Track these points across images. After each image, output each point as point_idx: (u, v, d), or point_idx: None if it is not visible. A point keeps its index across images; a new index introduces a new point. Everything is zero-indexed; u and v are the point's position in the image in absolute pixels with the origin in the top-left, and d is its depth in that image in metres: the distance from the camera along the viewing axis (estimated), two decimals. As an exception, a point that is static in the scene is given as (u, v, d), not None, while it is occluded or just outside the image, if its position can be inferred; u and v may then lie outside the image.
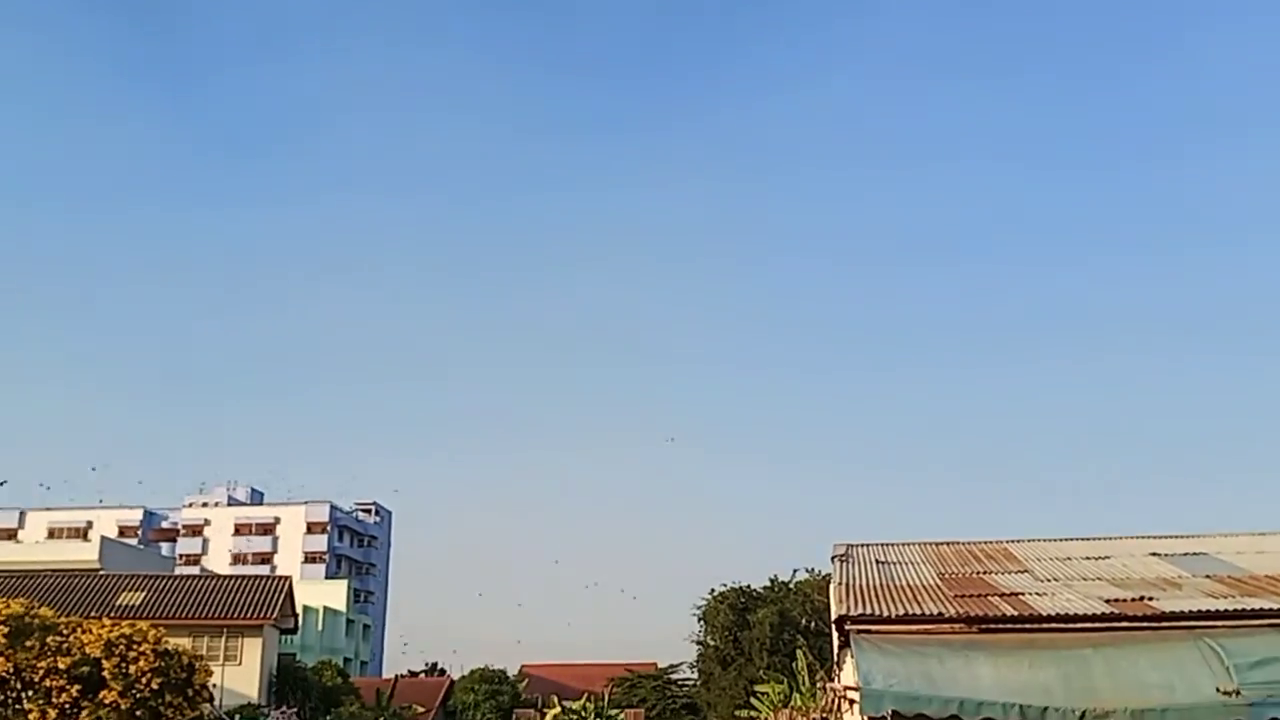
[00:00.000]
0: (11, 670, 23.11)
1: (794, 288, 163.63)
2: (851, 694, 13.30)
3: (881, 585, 17.49)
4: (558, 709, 56.02)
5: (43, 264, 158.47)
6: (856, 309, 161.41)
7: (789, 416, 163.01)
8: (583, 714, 55.12)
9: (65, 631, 24.38)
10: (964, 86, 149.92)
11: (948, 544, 21.78)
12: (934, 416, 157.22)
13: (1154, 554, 20.15)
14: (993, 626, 14.97)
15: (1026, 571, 18.97)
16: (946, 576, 18.42)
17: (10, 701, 23.33)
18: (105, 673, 23.42)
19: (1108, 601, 15.65)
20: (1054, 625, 14.90)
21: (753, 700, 36.53)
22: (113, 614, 30.03)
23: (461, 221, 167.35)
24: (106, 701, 23.15)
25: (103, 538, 78.19)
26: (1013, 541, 21.98)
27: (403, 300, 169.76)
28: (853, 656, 14.19)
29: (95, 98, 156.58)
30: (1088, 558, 20.02)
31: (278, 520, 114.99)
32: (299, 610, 51.38)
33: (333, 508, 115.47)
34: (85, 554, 68.09)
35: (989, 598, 16.43)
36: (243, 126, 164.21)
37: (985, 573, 18.89)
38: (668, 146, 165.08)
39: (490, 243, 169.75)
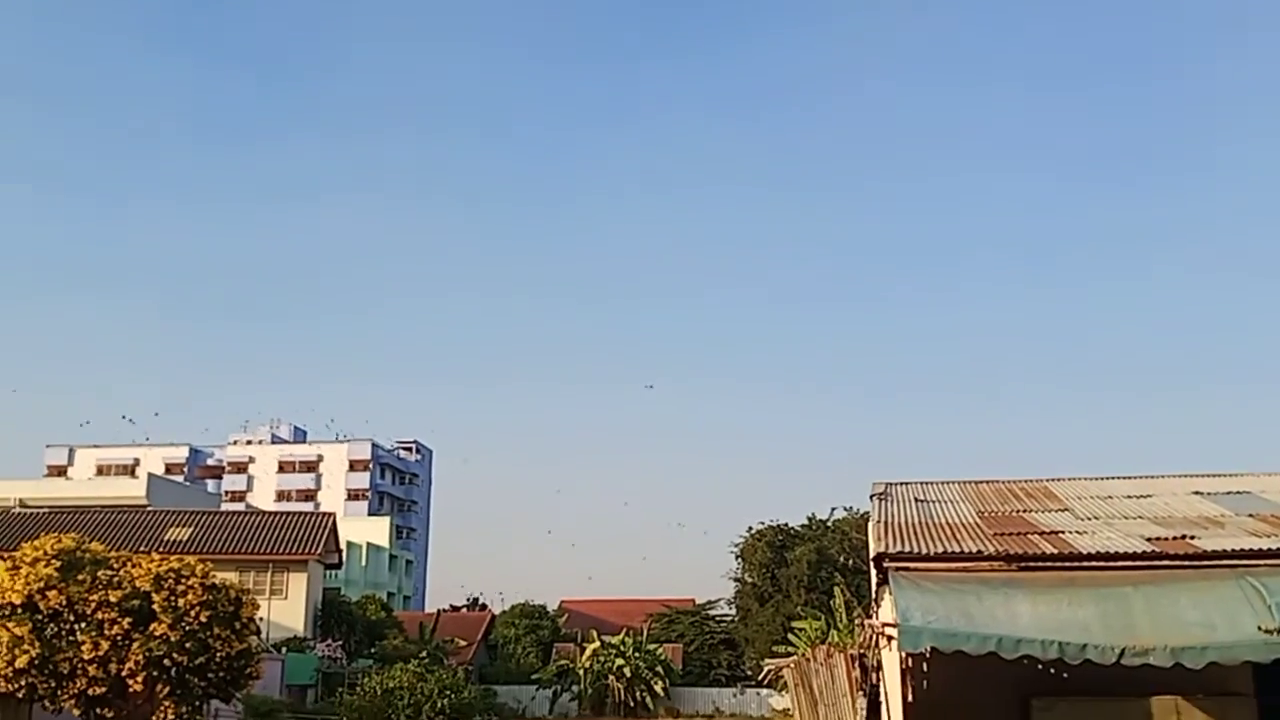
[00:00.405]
0: (65, 603, 23.63)
1: (829, 211, 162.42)
2: (889, 630, 13.32)
3: (920, 523, 17.47)
4: (597, 643, 56.73)
5: (92, 199, 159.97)
6: (896, 233, 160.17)
7: (827, 351, 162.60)
8: (622, 648, 55.81)
9: (115, 566, 24.84)
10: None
11: (987, 482, 21.68)
12: (974, 351, 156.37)
13: (1197, 492, 19.97)
14: (1032, 565, 14.91)
15: (1067, 510, 18.87)
16: (986, 515, 18.36)
17: (64, 633, 23.89)
18: (155, 606, 23.87)
19: (1149, 540, 15.55)
20: (1094, 564, 14.82)
21: (790, 636, 36.87)
22: (161, 549, 30.61)
23: (502, 158, 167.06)
24: (157, 634, 23.61)
25: (150, 474, 79.69)
26: (1053, 480, 21.86)
27: (442, 236, 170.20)
28: (891, 594, 14.21)
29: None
30: (1129, 496, 19.88)
31: (320, 458, 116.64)
32: (343, 546, 52.32)
33: (374, 445, 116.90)
34: (133, 490, 69.45)
35: (1028, 536, 16.37)
36: (275, 51, 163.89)
37: (1025, 511, 18.81)
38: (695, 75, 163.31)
39: (533, 182, 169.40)
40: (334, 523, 47.32)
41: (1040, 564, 14.93)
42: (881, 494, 19.98)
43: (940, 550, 15.43)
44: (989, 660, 12.52)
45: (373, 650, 45.83)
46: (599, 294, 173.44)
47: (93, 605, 23.67)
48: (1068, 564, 14.91)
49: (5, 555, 27.24)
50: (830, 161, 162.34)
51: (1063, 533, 16.54)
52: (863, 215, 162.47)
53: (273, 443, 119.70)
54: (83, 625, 23.78)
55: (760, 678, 37.08)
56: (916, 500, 19.60)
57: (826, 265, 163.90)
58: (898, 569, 14.88)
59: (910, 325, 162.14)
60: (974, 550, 15.31)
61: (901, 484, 21.22)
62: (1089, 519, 17.87)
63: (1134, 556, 14.89)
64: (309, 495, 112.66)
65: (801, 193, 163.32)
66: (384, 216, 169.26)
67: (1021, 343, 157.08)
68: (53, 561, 24.00)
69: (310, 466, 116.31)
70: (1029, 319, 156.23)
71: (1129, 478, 21.71)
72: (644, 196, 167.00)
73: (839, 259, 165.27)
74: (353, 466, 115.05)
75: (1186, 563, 14.71)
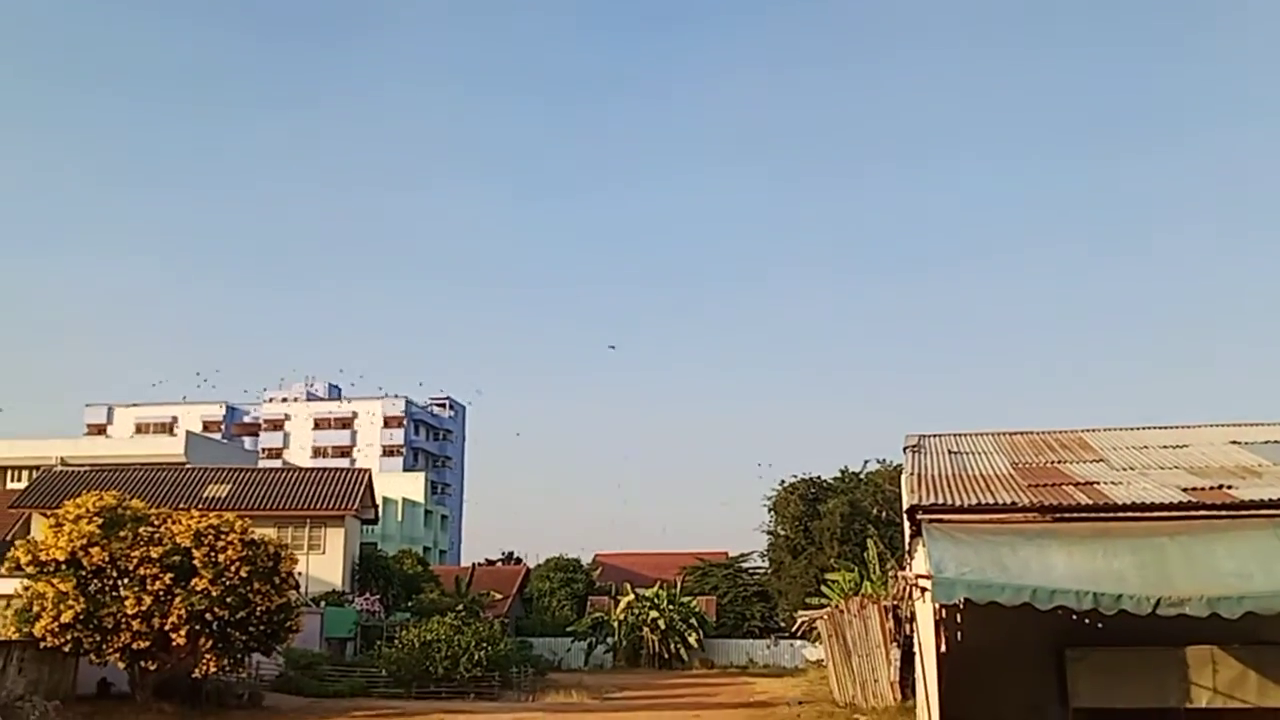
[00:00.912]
0: (108, 559, 24.02)
1: (863, 164, 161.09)
2: (923, 582, 13.34)
3: (954, 475, 17.45)
4: (631, 596, 57.21)
5: (136, 158, 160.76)
6: (929, 200, 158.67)
7: (859, 303, 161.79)
8: (656, 601, 56.26)
9: (156, 522, 25.21)
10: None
11: (1021, 434, 21.60)
12: (1010, 305, 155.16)
13: (1234, 442, 19.81)
14: (1067, 516, 14.88)
15: (1102, 460, 18.79)
16: (1020, 466, 18.31)
17: (108, 589, 24.31)
18: (196, 561, 24.23)
19: (1185, 490, 15.47)
20: (1129, 514, 14.77)
21: (823, 588, 36.97)
22: (200, 505, 31.02)
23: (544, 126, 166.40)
24: (198, 589, 23.98)
25: (188, 432, 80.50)
26: (1088, 431, 21.73)
27: (479, 200, 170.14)
28: (924, 545, 14.23)
29: None
30: (1165, 446, 19.75)
31: (355, 415, 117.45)
32: (379, 501, 52.80)
33: (408, 402, 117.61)
34: (171, 448, 70.26)
35: (1063, 487, 16.32)
36: (315, 13, 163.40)
37: (1059, 462, 18.75)
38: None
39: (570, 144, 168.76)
40: (370, 479, 47.70)
41: (1075, 515, 14.90)
42: (915, 446, 19.94)
43: (974, 502, 15.42)
44: (1023, 611, 12.55)
45: (410, 604, 46.33)
46: (630, 241, 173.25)
47: (135, 561, 24.05)
48: (1103, 515, 14.87)
49: (48, 513, 27.74)
50: (859, 128, 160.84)
51: (1098, 483, 16.48)
52: (897, 169, 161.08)
53: (308, 400, 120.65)
54: (125, 581, 24.18)
55: (794, 629, 37.24)
56: (950, 452, 19.56)
57: (856, 218, 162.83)
58: (931, 521, 14.89)
59: (944, 276, 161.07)
60: (1008, 502, 15.29)
61: (935, 436, 21.17)
62: (1124, 469, 17.78)
63: (1170, 507, 14.83)
64: (344, 452, 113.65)
65: (844, 146, 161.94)
66: (398, 160, 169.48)
67: (1057, 293, 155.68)
68: (95, 519, 24.37)
69: (345, 423, 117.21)
70: (1065, 271, 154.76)
71: (1165, 428, 21.55)
72: (682, 144, 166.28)
73: (869, 213, 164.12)
74: (387, 423, 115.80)
75: (1223, 513, 14.64)
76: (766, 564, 62.20)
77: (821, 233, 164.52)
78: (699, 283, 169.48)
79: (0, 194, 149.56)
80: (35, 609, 23.60)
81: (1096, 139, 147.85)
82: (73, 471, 49.14)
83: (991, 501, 15.37)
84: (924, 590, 13.50)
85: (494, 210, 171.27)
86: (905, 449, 19.87)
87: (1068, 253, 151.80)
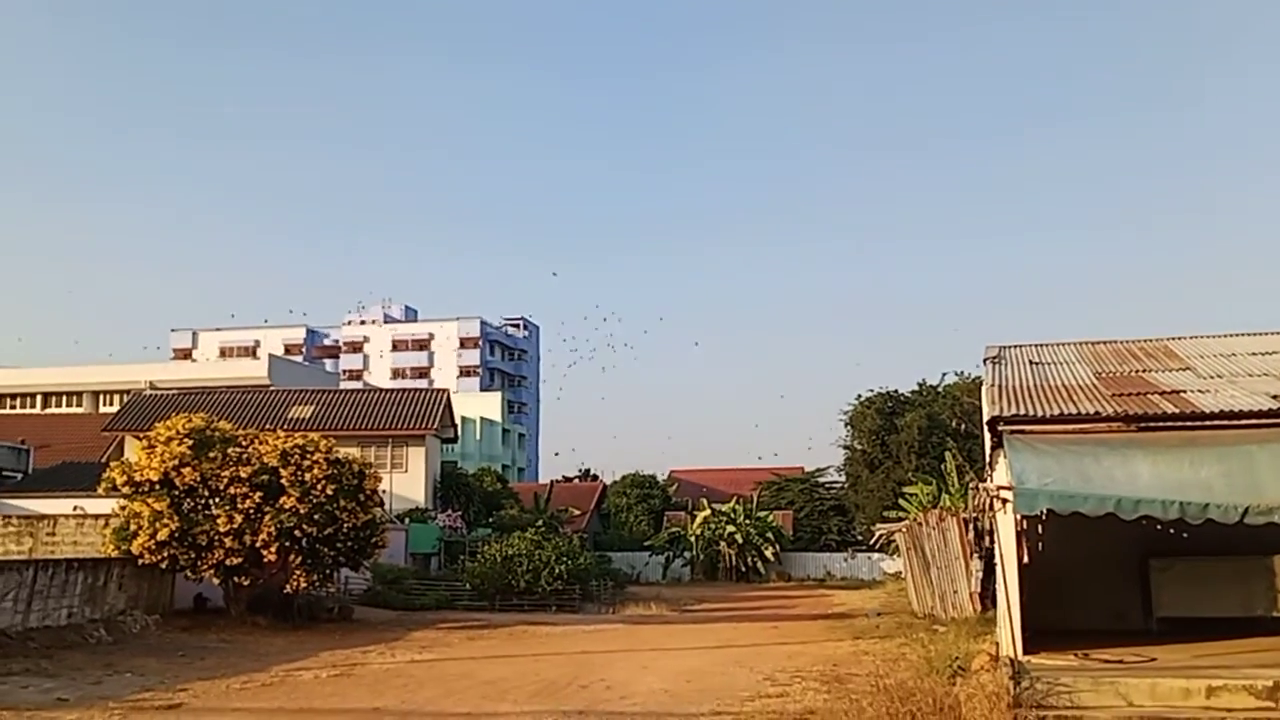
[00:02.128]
0: (199, 479, 24.68)
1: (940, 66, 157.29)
2: (1005, 494, 13.23)
3: (1035, 386, 17.17)
4: (708, 511, 57.62)
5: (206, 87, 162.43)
6: (1004, 86, 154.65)
7: (937, 213, 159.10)
8: (732, 515, 56.62)
9: (244, 443, 25.77)
10: None
11: (1104, 343, 21.14)
12: (1087, 205, 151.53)
13: (1326, 348, 19.24)
14: (1152, 425, 14.60)
15: (1188, 369, 18.36)
16: (1103, 376, 17.96)
17: (200, 508, 25.02)
18: (283, 480, 24.80)
19: (1274, 397, 15.08)
20: (1217, 423, 14.44)
21: (900, 501, 36.87)
22: (285, 426, 31.70)
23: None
24: (286, 507, 24.58)
25: (271, 355, 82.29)
26: (1174, 339, 21.20)
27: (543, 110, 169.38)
28: (1005, 457, 14.08)
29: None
30: (1253, 353, 19.20)
31: (432, 336, 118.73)
32: (457, 421, 53.53)
33: (483, 323, 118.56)
34: (255, 371, 71.93)
35: (1148, 396, 16.00)
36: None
37: (1144, 371, 18.36)
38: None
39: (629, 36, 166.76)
40: (448, 398, 48.32)
41: (1160, 424, 14.61)
42: (995, 357, 19.63)
43: (1056, 412, 15.19)
44: (1106, 522, 12.42)
45: (490, 520, 47.18)
46: (702, 159, 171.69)
47: (225, 481, 24.69)
48: (1189, 423, 14.56)
49: (140, 435, 28.51)
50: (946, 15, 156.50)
51: (1184, 392, 16.12)
52: (971, 69, 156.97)
53: (385, 322, 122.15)
54: (216, 500, 24.87)
55: (871, 542, 37.36)
56: (1031, 363, 19.24)
57: (934, 120, 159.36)
58: (1013, 432, 14.71)
59: (1023, 180, 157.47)
60: (1091, 412, 15.04)
61: (1015, 346, 20.81)
62: (1211, 377, 17.37)
63: (1259, 415, 14.47)
64: (422, 373, 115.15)
65: (922, 45, 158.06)
66: (492, 88, 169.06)
67: (1138, 199, 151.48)
68: (185, 440, 24.99)
69: (422, 345, 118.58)
70: (1145, 170, 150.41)
71: (1253, 334, 20.93)
72: (754, 50, 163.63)
73: (949, 112, 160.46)
74: (463, 344, 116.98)
75: (1315, 420, 14.26)
76: (843, 478, 62.16)
77: (889, 127, 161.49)
78: (767, 190, 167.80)
79: (106, 136, 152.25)
80: (132, 528, 24.38)
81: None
82: (161, 395, 50.48)
83: (1074, 412, 15.12)
84: (1005, 502, 13.40)
85: (559, 130, 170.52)
86: (985, 360, 19.56)
87: (1142, 151, 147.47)
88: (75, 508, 31.27)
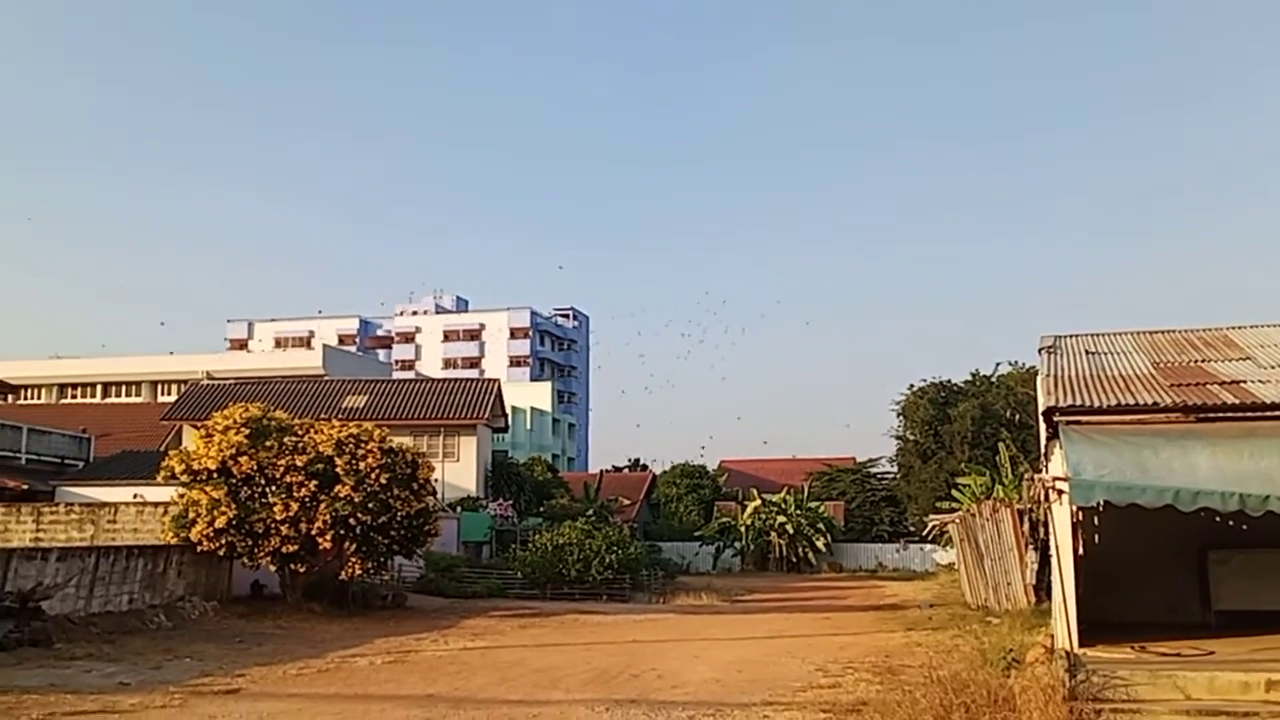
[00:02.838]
0: (256, 468, 25.05)
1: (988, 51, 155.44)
2: (1060, 485, 13.09)
3: (1091, 376, 16.95)
4: (758, 501, 57.52)
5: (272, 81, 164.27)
6: (1056, 68, 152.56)
7: (987, 204, 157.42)
8: (783, 506, 56.50)
9: (299, 432, 26.10)
10: None
11: (1162, 332, 20.80)
12: (1141, 194, 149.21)
13: (1390, 338, 18.81)
14: (1211, 415, 14.36)
15: (1249, 358, 18.01)
16: (1161, 365, 17.69)
17: (257, 496, 25.40)
18: (338, 469, 25.10)
19: (1338, 388, 14.80)
20: (1278, 413, 14.21)
21: (953, 492, 36.61)
22: (339, 415, 32.02)
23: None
24: (341, 495, 24.88)
25: (325, 346, 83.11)
26: (1234, 328, 20.79)
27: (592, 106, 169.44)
28: (1061, 448, 13.92)
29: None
30: (1317, 343, 18.84)
31: (483, 326, 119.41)
32: (508, 411, 53.81)
33: (533, 313, 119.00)
34: (310, 361, 72.73)
35: (1207, 386, 15.73)
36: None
37: (1203, 361, 18.04)
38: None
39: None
40: (499, 388, 48.61)
41: (1220, 414, 14.36)
42: (1050, 347, 19.38)
43: (1113, 403, 14.99)
44: (1163, 514, 12.25)
45: (541, 509, 47.40)
46: (756, 152, 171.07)
47: (281, 469, 25.02)
48: (1250, 414, 14.31)
49: (198, 424, 28.98)
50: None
51: (1244, 382, 15.83)
52: (1018, 52, 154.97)
53: (437, 313, 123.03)
54: (273, 488, 25.22)
55: (924, 533, 37.06)
56: (1087, 352, 18.97)
57: (983, 107, 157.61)
58: (1069, 423, 14.54)
59: (1075, 167, 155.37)
60: (1149, 402, 14.82)
61: (1070, 336, 20.54)
62: (1273, 367, 17.03)
63: (1322, 405, 14.20)
64: (473, 363, 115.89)
65: (976, 33, 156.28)
66: (533, 81, 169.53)
67: (1193, 182, 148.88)
68: (242, 429, 25.36)
69: (473, 335, 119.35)
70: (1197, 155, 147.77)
71: (1317, 324, 20.48)
72: (814, 46, 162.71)
73: (995, 100, 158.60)
74: (513, 334, 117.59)
75: (1379, 411, 13.96)
76: (895, 469, 61.81)
77: (943, 120, 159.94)
78: (821, 182, 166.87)
79: (167, 127, 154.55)
80: (190, 515, 24.80)
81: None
82: (218, 384, 51.20)
83: (1131, 402, 14.91)
84: (1060, 493, 13.26)
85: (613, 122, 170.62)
86: (1040, 350, 19.32)
87: (1203, 136, 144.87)
88: (135, 496, 31.87)
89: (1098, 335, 20.74)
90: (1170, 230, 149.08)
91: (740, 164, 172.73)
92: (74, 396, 74.75)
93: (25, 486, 35.98)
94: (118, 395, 74.26)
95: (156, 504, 28.62)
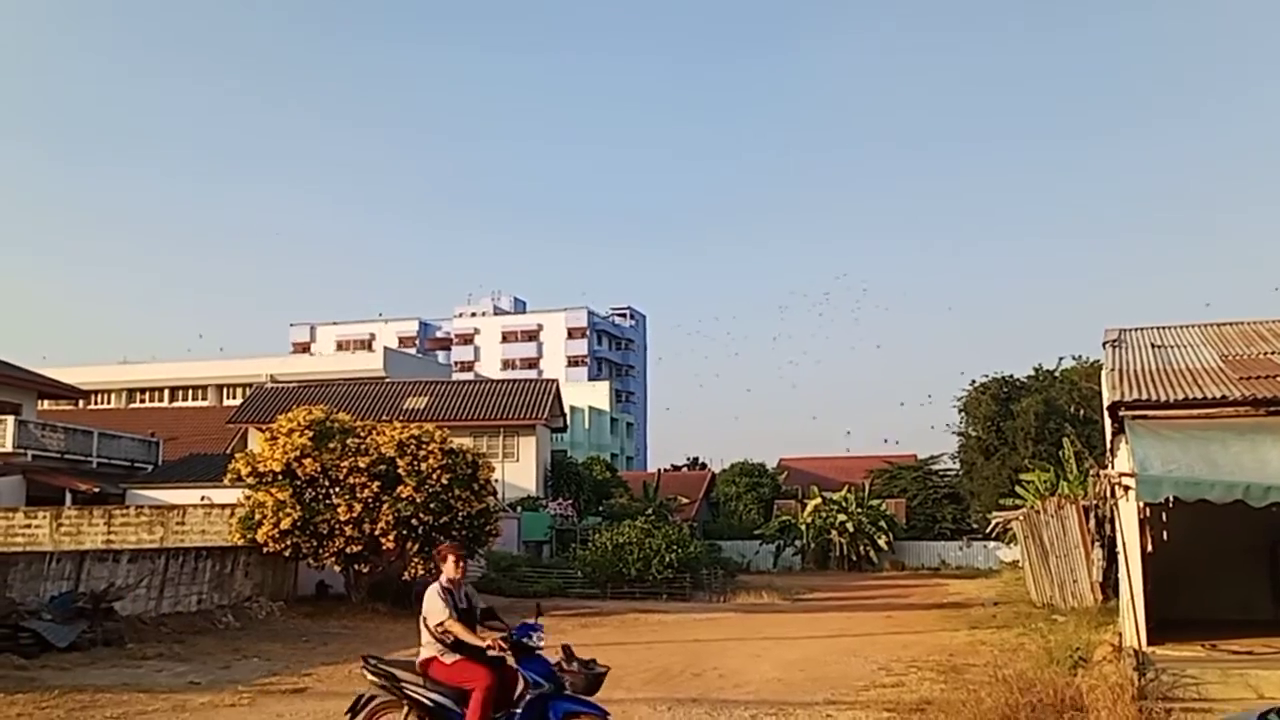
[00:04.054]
0: (319, 469, 25.34)
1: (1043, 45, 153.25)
2: (1126, 481, 12.89)
3: (1158, 369, 16.67)
4: (818, 499, 57.18)
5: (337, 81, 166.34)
6: (1107, 66, 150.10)
7: (1052, 196, 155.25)
8: (844, 504, 56.11)
9: (361, 434, 26.34)
10: None
11: (1230, 324, 20.40)
12: (1207, 184, 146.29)
13: None
14: (1281, 409, 14.10)
15: (1321, 350, 17.64)
16: (1229, 358, 17.35)
17: (321, 497, 25.69)
18: (400, 470, 25.30)
19: None
20: (1353, 406, 13.89)
21: (1017, 489, 36.10)
22: (400, 417, 32.28)
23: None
24: (403, 496, 25.08)
25: (385, 348, 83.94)
26: (1305, 319, 20.39)
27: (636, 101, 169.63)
28: (1127, 443, 13.71)
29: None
30: (1391, 334, 18.38)
31: (540, 327, 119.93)
32: (566, 410, 54.00)
33: (590, 313, 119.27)
34: (371, 363, 73.53)
35: (1278, 379, 15.42)
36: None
37: (1273, 353, 17.66)
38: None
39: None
40: (558, 388, 48.80)
41: (1291, 408, 14.08)
42: (1115, 341, 19.09)
43: (1180, 397, 14.74)
44: (1233, 509, 12.00)
45: (601, 508, 47.50)
46: (811, 147, 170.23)
47: (344, 471, 25.29)
48: (1322, 407, 14.01)
49: (263, 427, 29.40)
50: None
51: (1316, 374, 15.50)
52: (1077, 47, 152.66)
53: (495, 314, 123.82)
54: (336, 489, 25.50)
55: (988, 530, 36.64)
56: (1153, 346, 18.66)
57: (1044, 102, 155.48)
58: (1134, 417, 14.33)
59: (1140, 160, 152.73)
60: (1217, 396, 14.56)
61: (1136, 330, 20.21)
62: (1346, 359, 16.67)
63: (1397, 398, 13.85)
64: (532, 363, 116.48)
65: (1027, 28, 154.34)
66: (576, 79, 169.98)
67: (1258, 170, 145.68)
68: (306, 431, 25.66)
69: (531, 335, 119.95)
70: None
71: (1391, 313, 19.97)
72: (851, 36, 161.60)
73: (1055, 95, 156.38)
74: (571, 334, 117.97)
75: None
76: (957, 466, 61.15)
77: (1001, 114, 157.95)
78: (879, 183, 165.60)
79: (222, 129, 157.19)
80: (256, 517, 25.16)
81: None
82: (282, 387, 51.90)
83: (1199, 396, 14.66)
84: (1127, 489, 13.06)
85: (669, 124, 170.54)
86: (1105, 344, 19.03)
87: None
88: (203, 498, 32.43)
89: (1164, 328, 20.40)
90: (1236, 222, 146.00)
91: (802, 157, 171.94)
92: (142, 401, 76.24)
93: (96, 489, 36.77)
94: (184, 399, 75.60)
95: (223, 506, 29.08)
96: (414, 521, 25.24)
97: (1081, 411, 46.24)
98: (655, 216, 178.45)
